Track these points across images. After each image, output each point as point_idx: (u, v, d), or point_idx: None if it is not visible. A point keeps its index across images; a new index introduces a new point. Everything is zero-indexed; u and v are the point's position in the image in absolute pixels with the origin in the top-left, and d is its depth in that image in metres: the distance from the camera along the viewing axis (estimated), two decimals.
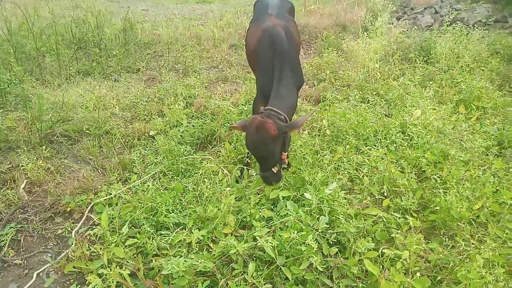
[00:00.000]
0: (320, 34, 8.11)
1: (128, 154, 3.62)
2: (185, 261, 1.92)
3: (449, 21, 6.91)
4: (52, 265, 2.51)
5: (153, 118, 4.28)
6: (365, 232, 2.41)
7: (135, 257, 2.36)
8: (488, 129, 3.87)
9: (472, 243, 2.37)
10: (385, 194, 2.68)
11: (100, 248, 2.35)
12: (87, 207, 3.01)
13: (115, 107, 4.32)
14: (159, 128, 3.84)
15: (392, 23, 8.84)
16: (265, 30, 3.03)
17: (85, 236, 2.68)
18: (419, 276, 1.92)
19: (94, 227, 2.81)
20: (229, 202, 2.38)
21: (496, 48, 5.97)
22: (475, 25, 6.97)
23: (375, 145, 3.44)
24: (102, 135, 3.93)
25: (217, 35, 7.71)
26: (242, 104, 4.52)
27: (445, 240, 2.37)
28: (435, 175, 2.81)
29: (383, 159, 3.10)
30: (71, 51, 5.80)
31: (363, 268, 2.08)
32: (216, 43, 7.44)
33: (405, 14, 9.13)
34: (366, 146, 3.43)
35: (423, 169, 3.08)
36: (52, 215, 2.99)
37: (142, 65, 6.09)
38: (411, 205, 2.51)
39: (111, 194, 2.99)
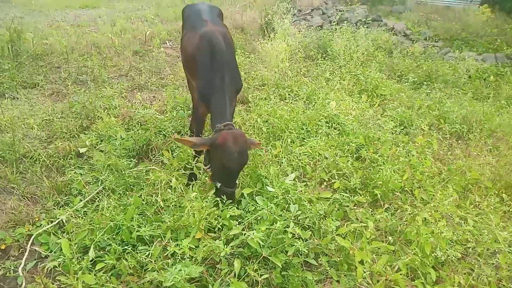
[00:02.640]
0: None
1: (59, 176, 3.31)
2: (180, 270, 1.92)
3: (336, 21, 7.76)
4: None
5: (76, 135, 3.97)
6: (323, 214, 2.67)
7: (108, 281, 2.24)
8: (390, 112, 4.53)
9: (406, 208, 2.83)
10: (335, 177, 2.99)
11: (67, 279, 2.18)
12: (26, 241, 2.70)
13: (33, 128, 3.89)
14: (89, 144, 3.59)
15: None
16: (203, 36, 3.07)
17: (40, 270, 2.42)
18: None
19: (41, 260, 2.57)
20: (202, 207, 2.41)
21: (378, 43, 6.93)
22: (358, 23, 7.95)
23: (305, 137, 3.78)
24: (19, 159, 3.51)
25: (117, 42, 7.36)
26: (169, 111, 4.45)
27: (391, 209, 2.78)
28: (368, 156, 3.24)
29: (312, 147, 3.43)
30: None
31: (336, 244, 2.32)
32: (118, 51, 7.09)
33: (294, 15, 9.88)
34: (297, 138, 3.74)
35: (350, 151, 3.51)
36: None
37: (40, 78, 5.51)
38: (357, 184, 2.87)
39: (52, 221, 2.75)
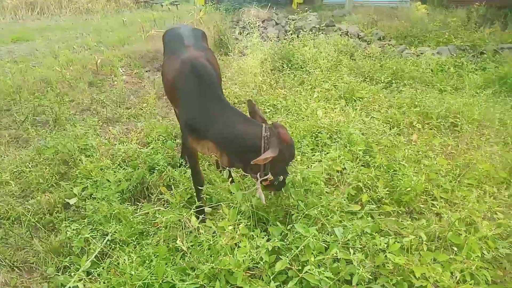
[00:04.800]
0: None
1: (53, 236, 2.90)
2: None
3: (291, 30, 7.83)
4: None
5: (54, 184, 3.54)
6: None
7: None
8: (375, 114, 4.58)
9: (443, 213, 2.81)
10: (361, 190, 2.89)
11: None
12: None
13: (6, 183, 3.41)
14: (78, 193, 3.20)
15: (238, 38, 9.47)
16: (186, 62, 2.85)
17: None
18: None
19: None
20: (243, 245, 2.19)
21: (339, 48, 7.05)
22: (312, 30, 8.08)
23: (305, 151, 3.68)
24: None
25: (68, 75, 6.83)
26: (154, 143, 4.13)
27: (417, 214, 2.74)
28: (383, 163, 3.19)
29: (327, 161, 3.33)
30: None
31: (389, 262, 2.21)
32: (71, 84, 6.58)
33: (245, 28, 9.85)
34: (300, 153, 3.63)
35: (359, 160, 3.45)
36: None
37: None
38: (386, 193, 2.80)
39: None
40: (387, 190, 2.83)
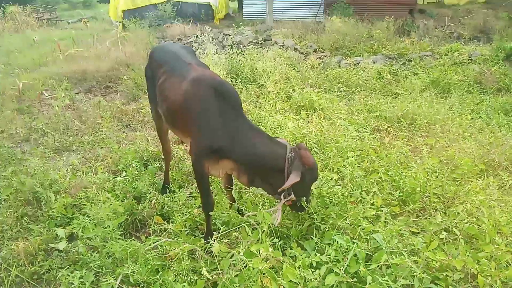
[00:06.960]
0: (113, 77, 7.66)
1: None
2: None
3: (229, 45, 7.86)
4: None
5: (22, 230, 3.03)
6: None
7: None
8: (341, 122, 4.78)
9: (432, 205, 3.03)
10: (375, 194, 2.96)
11: None
12: None
13: None
14: (68, 235, 2.77)
15: None
16: (199, 82, 2.70)
17: None
18: None
19: None
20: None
21: (282, 60, 7.23)
22: (249, 44, 8.20)
23: None
24: None
25: None
26: (130, 168, 3.76)
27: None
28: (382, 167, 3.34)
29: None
30: None
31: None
32: None
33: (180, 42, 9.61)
34: None
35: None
36: None
37: None
38: (400, 195, 2.93)
39: None
40: (399, 192, 2.97)
